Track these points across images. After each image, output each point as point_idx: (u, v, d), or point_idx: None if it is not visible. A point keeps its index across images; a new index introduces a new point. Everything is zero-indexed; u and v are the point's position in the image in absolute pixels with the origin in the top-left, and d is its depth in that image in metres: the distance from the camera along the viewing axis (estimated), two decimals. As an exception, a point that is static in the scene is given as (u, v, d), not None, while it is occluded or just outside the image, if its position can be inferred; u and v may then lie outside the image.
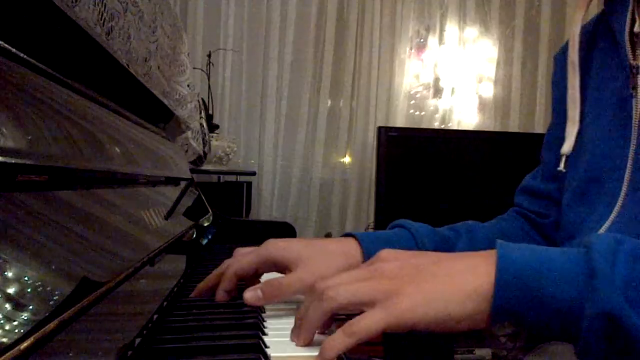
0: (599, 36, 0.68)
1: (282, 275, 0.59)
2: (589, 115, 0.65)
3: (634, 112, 0.59)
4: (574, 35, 0.67)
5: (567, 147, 0.66)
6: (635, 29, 0.61)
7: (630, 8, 0.63)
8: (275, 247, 0.60)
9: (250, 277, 0.60)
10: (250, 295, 0.55)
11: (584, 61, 0.67)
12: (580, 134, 0.66)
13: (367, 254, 0.61)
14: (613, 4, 0.66)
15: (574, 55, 0.66)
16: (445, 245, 0.67)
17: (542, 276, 0.41)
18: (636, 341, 0.38)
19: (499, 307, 0.41)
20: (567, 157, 0.67)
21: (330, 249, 0.62)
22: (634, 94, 0.59)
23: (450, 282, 0.43)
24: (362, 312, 0.43)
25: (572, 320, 0.40)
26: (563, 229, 0.66)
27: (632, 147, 0.58)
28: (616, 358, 0.40)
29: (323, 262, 0.59)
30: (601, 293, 0.39)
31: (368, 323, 0.41)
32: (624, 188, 0.58)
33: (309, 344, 0.46)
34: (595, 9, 0.73)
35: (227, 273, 0.59)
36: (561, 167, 0.67)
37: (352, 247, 0.62)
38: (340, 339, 0.41)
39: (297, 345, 0.46)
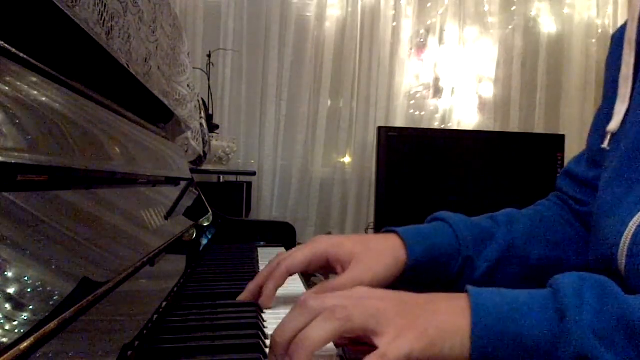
0: None
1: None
2: (638, 95, 0.64)
3: None
4: (633, 14, 0.65)
5: (614, 124, 0.65)
6: None
7: None
8: (329, 244, 0.61)
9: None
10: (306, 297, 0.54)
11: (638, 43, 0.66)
12: (627, 113, 0.64)
13: (411, 251, 0.62)
14: None
15: (632, 34, 0.65)
16: (484, 236, 0.67)
17: (515, 324, 0.42)
18: None
19: (477, 349, 0.42)
20: (613, 135, 0.66)
21: (379, 247, 0.62)
22: None
23: (431, 323, 0.43)
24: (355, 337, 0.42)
25: None
26: (599, 207, 0.64)
27: None
28: None
29: (374, 260, 0.60)
30: (572, 335, 0.39)
31: (399, 349, 0.40)
32: None
33: None
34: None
35: (280, 270, 0.59)
36: (605, 144, 0.65)
37: (396, 244, 0.63)
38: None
39: None
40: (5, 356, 0.24)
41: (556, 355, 0.40)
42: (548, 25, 2.88)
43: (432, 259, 0.64)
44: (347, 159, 2.71)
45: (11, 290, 0.27)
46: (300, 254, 0.60)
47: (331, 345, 0.44)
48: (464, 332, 0.42)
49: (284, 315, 0.56)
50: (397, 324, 0.42)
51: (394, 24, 2.73)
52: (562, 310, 0.41)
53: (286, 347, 0.41)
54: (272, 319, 0.54)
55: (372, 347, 0.41)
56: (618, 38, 0.72)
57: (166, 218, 0.69)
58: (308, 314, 0.42)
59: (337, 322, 0.41)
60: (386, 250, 0.62)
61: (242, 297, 0.60)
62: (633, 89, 0.64)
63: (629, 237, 0.54)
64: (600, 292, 0.41)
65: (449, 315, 0.43)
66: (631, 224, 0.54)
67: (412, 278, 0.64)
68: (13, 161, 0.32)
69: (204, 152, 1.66)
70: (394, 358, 0.40)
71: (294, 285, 0.69)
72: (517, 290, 0.45)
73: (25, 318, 0.26)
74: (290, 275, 0.60)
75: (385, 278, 0.61)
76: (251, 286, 0.60)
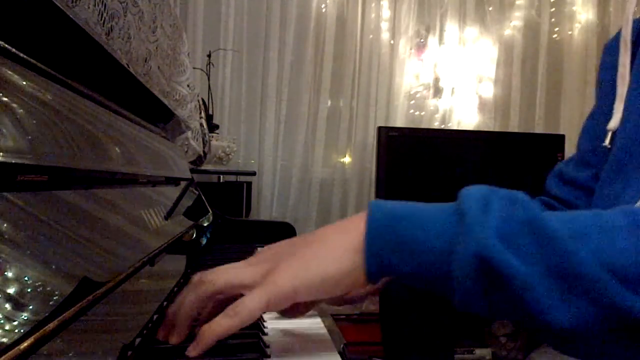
0: None
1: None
2: (632, 94, 0.65)
3: None
4: (627, 17, 0.67)
5: (614, 122, 0.66)
6: None
7: None
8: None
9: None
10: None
11: (634, 44, 0.67)
12: (623, 111, 0.66)
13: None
14: None
15: (627, 34, 0.66)
16: None
17: (412, 224, 0.39)
18: (512, 281, 0.36)
19: (371, 257, 0.40)
20: (613, 133, 0.66)
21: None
22: None
23: (323, 246, 0.42)
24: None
25: (445, 268, 0.38)
26: (597, 203, 0.65)
27: None
28: (495, 303, 0.38)
29: None
30: (473, 234, 0.37)
31: (249, 302, 0.40)
32: None
33: (182, 338, 0.43)
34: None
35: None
36: (606, 142, 0.66)
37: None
38: (223, 321, 0.40)
39: (170, 342, 0.43)
40: (5, 356, 0.24)
41: (453, 257, 0.38)
42: (548, 25, 2.87)
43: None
44: (347, 159, 2.71)
45: (11, 290, 0.27)
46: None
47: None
48: (356, 243, 0.40)
49: (284, 316, 0.56)
50: (263, 270, 0.42)
51: (394, 23, 2.73)
52: (463, 213, 0.38)
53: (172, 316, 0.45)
54: (272, 319, 0.54)
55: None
56: (610, 47, 0.74)
57: (166, 218, 0.69)
58: (188, 287, 0.46)
59: (200, 286, 0.44)
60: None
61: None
62: (628, 89, 0.65)
63: None
64: (508, 202, 0.39)
65: (339, 236, 0.42)
66: None
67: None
68: (13, 161, 0.32)
69: (204, 152, 1.66)
70: (248, 312, 0.40)
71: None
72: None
73: (25, 318, 0.26)
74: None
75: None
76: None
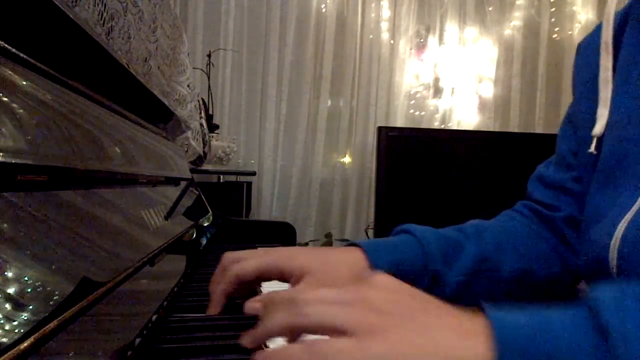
0: (630, 19, 0.66)
1: (283, 286, 0.58)
2: (616, 98, 0.63)
3: None
4: (608, 17, 0.64)
5: (598, 128, 0.63)
6: None
7: None
8: (280, 255, 0.58)
9: (249, 283, 0.58)
10: (250, 306, 0.51)
11: (615, 45, 0.65)
12: (609, 117, 0.63)
13: (374, 264, 0.59)
14: None
15: (607, 37, 0.63)
16: (453, 249, 0.65)
17: (546, 339, 0.34)
18: None
19: None
20: (599, 139, 0.63)
21: (335, 260, 0.59)
22: None
23: (437, 345, 0.35)
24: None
25: None
26: (588, 212, 0.63)
27: None
28: None
29: (328, 275, 0.56)
30: (618, 350, 0.33)
31: (336, 353, 0.34)
32: None
33: (255, 348, 0.40)
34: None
35: (228, 274, 0.56)
36: (592, 149, 0.64)
37: (357, 258, 0.60)
38: (300, 356, 0.35)
39: (242, 344, 0.41)
40: (5, 356, 0.24)
41: None
42: (548, 25, 2.88)
43: (397, 273, 0.61)
44: (347, 159, 2.71)
45: (11, 290, 0.27)
46: (251, 263, 0.56)
47: None
48: (479, 352, 0.34)
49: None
50: (367, 321, 0.36)
51: (394, 24, 2.73)
52: (603, 330, 0.34)
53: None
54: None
55: None
56: (585, 45, 0.72)
57: (166, 218, 0.69)
58: (280, 303, 0.40)
59: (292, 317, 0.38)
60: (342, 263, 0.59)
61: (213, 313, 0.56)
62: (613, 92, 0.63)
63: (619, 238, 0.53)
64: None
65: (457, 333, 0.36)
66: (620, 225, 0.54)
67: None
68: (13, 161, 0.32)
69: (204, 152, 1.66)
70: (327, 357, 0.34)
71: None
72: (539, 309, 0.38)
73: (25, 318, 0.26)
74: (241, 282, 0.56)
75: None
76: (215, 298, 0.57)
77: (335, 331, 0.36)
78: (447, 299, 0.63)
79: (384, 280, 0.40)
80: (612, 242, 0.54)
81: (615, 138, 0.61)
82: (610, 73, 0.63)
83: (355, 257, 0.60)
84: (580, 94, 0.71)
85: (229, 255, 0.59)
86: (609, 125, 0.63)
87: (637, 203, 0.55)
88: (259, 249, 0.61)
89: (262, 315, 0.41)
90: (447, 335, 0.35)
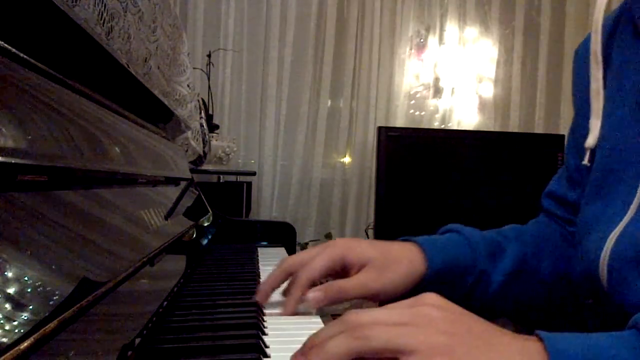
0: (621, 28, 0.65)
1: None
2: (608, 108, 0.62)
3: None
4: (596, 27, 0.63)
5: (591, 140, 0.63)
6: None
7: None
8: (345, 246, 0.59)
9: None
10: (314, 296, 0.54)
11: (605, 55, 0.65)
12: (600, 129, 0.63)
13: (431, 262, 0.61)
14: None
15: (596, 47, 0.63)
16: (496, 250, 0.66)
17: None
18: None
19: None
20: (592, 151, 0.63)
21: (395, 252, 0.60)
22: None
23: None
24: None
25: None
26: (580, 224, 0.64)
27: None
28: None
29: (389, 269, 0.58)
30: None
31: None
32: None
33: None
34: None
35: (301, 281, 0.56)
36: (585, 161, 0.64)
37: (415, 253, 0.61)
38: None
39: None
40: (5, 356, 0.24)
41: None
42: (548, 25, 2.87)
43: (450, 271, 0.62)
44: (347, 159, 2.72)
45: (11, 290, 0.27)
46: (319, 261, 0.57)
47: None
48: None
49: (284, 316, 0.56)
50: (437, 344, 0.36)
51: (394, 23, 2.73)
52: None
53: (307, 352, 0.39)
54: (272, 319, 0.54)
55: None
56: (580, 54, 0.71)
57: (166, 218, 0.69)
58: (339, 326, 0.39)
59: (354, 341, 0.37)
60: (403, 259, 0.60)
61: (259, 300, 0.58)
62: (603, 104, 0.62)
63: (608, 252, 0.53)
64: None
65: (520, 352, 0.36)
66: (609, 239, 0.53)
67: (425, 290, 0.61)
68: (13, 161, 0.32)
69: (204, 152, 1.66)
70: None
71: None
72: (588, 333, 0.39)
73: (25, 318, 0.26)
74: (311, 284, 0.57)
75: (397, 287, 0.58)
76: (266, 288, 0.58)
77: (401, 353, 0.36)
78: (488, 298, 0.64)
79: (437, 299, 0.40)
80: (602, 255, 0.54)
81: (606, 150, 0.60)
82: (600, 83, 0.62)
83: (413, 252, 0.62)
84: (579, 105, 0.71)
85: (290, 261, 0.59)
86: (601, 136, 0.62)
87: (625, 217, 0.55)
88: (314, 246, 0.62)
89: (315, 335, 0.40)
90: (510, 354, 0.36)
